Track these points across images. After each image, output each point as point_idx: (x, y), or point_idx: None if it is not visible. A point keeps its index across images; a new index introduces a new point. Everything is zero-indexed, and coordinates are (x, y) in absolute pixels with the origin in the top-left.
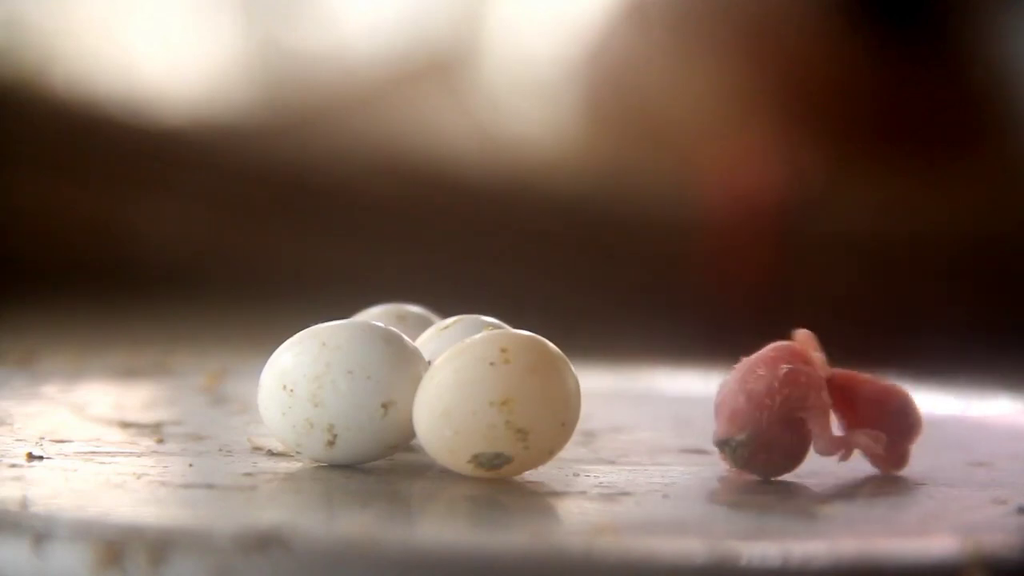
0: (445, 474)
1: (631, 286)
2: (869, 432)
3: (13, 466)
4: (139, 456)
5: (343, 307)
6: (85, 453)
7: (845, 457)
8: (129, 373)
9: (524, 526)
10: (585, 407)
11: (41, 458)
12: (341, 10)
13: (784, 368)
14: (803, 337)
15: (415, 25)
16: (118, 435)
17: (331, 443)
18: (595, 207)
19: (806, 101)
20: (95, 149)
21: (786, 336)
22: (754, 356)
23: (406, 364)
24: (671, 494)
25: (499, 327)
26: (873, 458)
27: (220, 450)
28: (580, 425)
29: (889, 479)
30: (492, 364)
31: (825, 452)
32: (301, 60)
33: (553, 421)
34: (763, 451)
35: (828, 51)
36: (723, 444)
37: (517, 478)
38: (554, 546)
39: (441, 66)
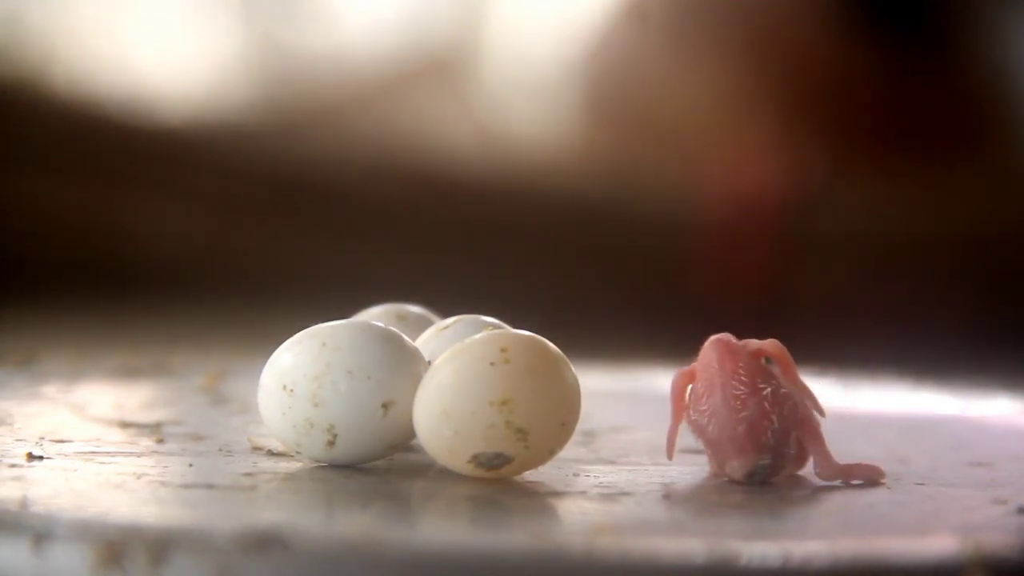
0: (445, 474)
1: (631, 285)
2: (865, 464)
3: (13, 466)
4: (139, 456)
5: (343, 307)
6: (85, 453)
7: (847, 480)
8: (129, 373)
9: (524, 526)
10: (585, 407)
11: (41, 458)
12: (341, 10)
13: (766, 389)
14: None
15: (415, 25)
16: (118, 435)
17: (331, 443)
18: (596, 206)
19: (806, 101)
20: (95, 149)
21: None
22: (707, 374)
23: (406, 364)
24: (671, 494)
25: (499, 327)
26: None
27: (220, 450)
28: (580, 425)
29: (890, 479)
30: (492, 364)
31: (827, 478)
32: (301, 60)
33: (553, 421)
34: (779, 464)
35: (828, 51)
36: (750, 476)
37: (517, 478)
38: (554, 546)
39: (441, 66)
